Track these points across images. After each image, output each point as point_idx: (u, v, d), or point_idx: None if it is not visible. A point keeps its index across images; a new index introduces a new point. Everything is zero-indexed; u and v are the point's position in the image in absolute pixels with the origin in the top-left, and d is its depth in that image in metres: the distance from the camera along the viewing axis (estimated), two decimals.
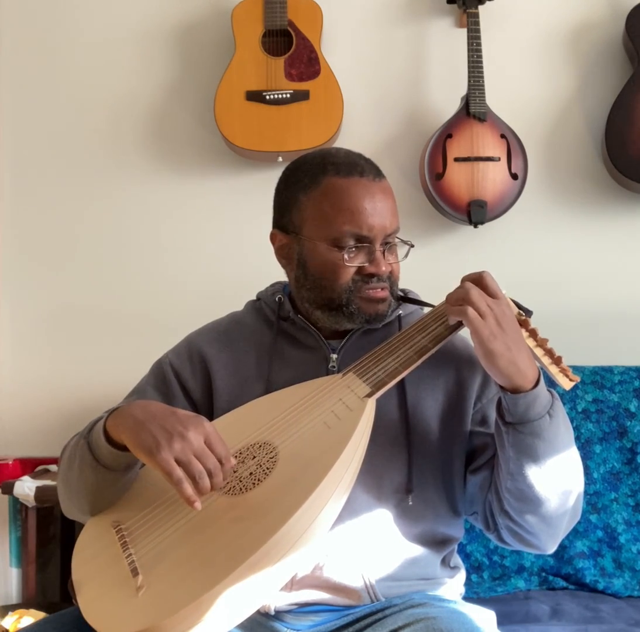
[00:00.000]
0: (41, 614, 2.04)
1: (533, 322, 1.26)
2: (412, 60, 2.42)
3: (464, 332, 1.24)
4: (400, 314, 1.36)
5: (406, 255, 1.33)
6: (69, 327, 2.44)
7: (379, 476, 1.26)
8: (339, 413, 1.18)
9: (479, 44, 2.28)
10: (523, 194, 2.27)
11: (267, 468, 1.14)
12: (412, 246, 1.33)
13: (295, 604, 1.26)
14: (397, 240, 1.31)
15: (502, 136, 2.28)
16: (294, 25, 2.31)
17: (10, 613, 2.06)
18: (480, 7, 2.31)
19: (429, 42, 2.42)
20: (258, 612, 1.23)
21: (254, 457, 1.17)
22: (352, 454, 1.12)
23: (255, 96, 2.29)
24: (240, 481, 1.14)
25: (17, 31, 2.48)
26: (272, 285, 1.45)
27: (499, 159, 2.26)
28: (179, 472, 1.05)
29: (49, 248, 2.46)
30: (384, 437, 1.26)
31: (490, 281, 1.22)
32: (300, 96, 2.28)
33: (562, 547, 1.93)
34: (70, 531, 2.29)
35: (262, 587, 1.03)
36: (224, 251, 2.43)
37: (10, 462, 2.30)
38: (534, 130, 2.38)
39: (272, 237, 1.37)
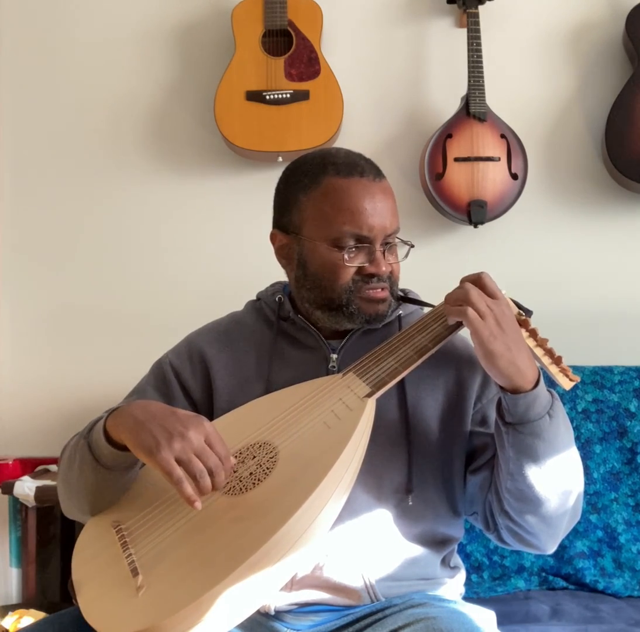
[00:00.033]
0: (41, 614, 2.04)
1: (533, 322, 1.26)
2: (412, 60, 2.42)
3: (464, 332, 1.24)
4: (400, 314, 1.36)
5: (406, 256, 1.33)
6: (69, 327, 2.44)
7: (379, 476, 1.26)
8: (339, 413, 1.18)
9: (479, 44, 2.28)
10: (523, 194, 2.27)
11: (267, 468, 1.14)
12: (412, 246, 1.33)
13: (295, 604, 1.26)
14: (397, 240, 1.31)
15: (502, 136, 2.28)
16: (294, 25, 2.31)
17: (10, 613, 2.06)
18: (480, 7, 2.31)
19: (429, 42, 2.42)
20: (258, 612, 1.23)
21: (254, 457, 1.17)
22: (352, 454, 1.12)
23: (255, 96, 2.29)
24: (240, 481, 1.14)
25: (17, 31, 2.48)
26: (272, 285, 1.45)
27: (499, 159, 2.26)
28: (179, 471, 1.05)
29: (49, 248, 2.46)
30: (384, 437, 1.26)
31: (489, 282, 1.22)
32: (300, 96, 2.28)
33: (562, 547, 1.93)
34: (70, 531, 2.29)
35: (262, 587, 1.03)
36: (224, 251, 2.43)
37: (10, 462, 2.30)
38: (534, 130, 2.38)
39: (272, 237, 1.37)
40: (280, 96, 2.28)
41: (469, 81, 2.27)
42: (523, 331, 1.24)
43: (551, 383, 1.29)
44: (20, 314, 2.45)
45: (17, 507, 2.27)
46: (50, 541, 2.30)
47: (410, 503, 1.27)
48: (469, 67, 2.27)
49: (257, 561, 1.01)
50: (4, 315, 2.45)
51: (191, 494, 1.05)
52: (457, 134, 2.27)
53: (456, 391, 1.32)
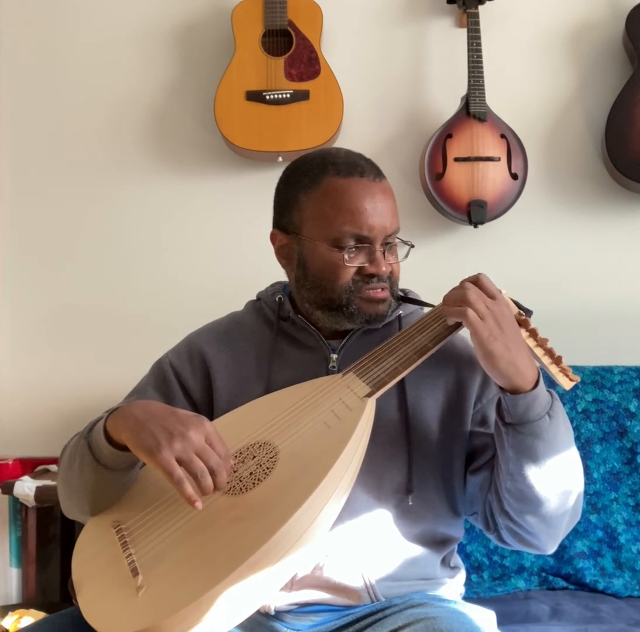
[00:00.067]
0: (41, 614, 2.04)
1: (533, 322, 1.26)
2: (412, 60, 2.42)
3: (465, 332, 1.24)
4: (400, 314, 1.36)
5: (406, 256, 1.33)
6: (69, 327, 2.44)
7: (379, 476, 1.26)
8: (339, 413, 1.18)
9: (479, 44, 2.28)
10: (523, 194, 2.27)
11: (267, 468, 1.14)
12: (413, 246, 1.33)
13: (295, 604, 1.26)
14: (397, 240, 1.31)
15: (502, 136, 2.28)
16: (294, 25, 2.31)
17: (10, 613, 2.06)
18: (480, 7, 2.31)
19: (429, 42, 2.42)
20: (258, 612, 1.23)
21: (254, 457, 1.17)
22: (352, 454, 1.12)
23: (255, 96, 2.29)
24: (241, 481, 1.14)
25: (17, 31, 2.48)
26: (272, 285, 1.45)
27: (499, 159, 2.26)
28: (179, 471, 1.05)
29: (49, 248, 2.46)
30: (384, 437, 1.26)
31: (488, 282, 1.23)
32: (300, 96, 2.28)
33: (562, 547, 1.93)
34: (70, 531, 2.29)
35: (262, 587, 1.03)
36: (224, 251, 2.43)
37: (10, 462, 2.30)
38: (534, 130, 2.38)
39: (272, 237, 1.37)
40: (280, 96, 2.28)
41: (469, 81, 2.27)
42: (523, 330, 1.24)
43: (551, 383, 1.29)
44: (20, 314, 2.45)
45: (17, 507, 2.27)
46: (50, 541, 2.30)
47: (410, 503, 1.27)
48: (469, 67, 2.27)
49: (257, 561, 1.01)
50: (4, 315, 2.45)
51: (192, 494, 1.05)
52: (457, 134, 2.27)
53: (456, 391, 1.32)
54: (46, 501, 2.10)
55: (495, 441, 1.24)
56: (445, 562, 1.35)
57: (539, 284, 2.30)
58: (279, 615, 1.26)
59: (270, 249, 1.38)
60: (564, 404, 1.26)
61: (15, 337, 2.45)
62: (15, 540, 2.29)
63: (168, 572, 1.05)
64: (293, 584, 1.24)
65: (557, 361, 1.26)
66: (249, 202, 2.40)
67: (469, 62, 2.27)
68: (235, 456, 1.18)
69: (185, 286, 2.42)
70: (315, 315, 1.32)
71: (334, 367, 1.32)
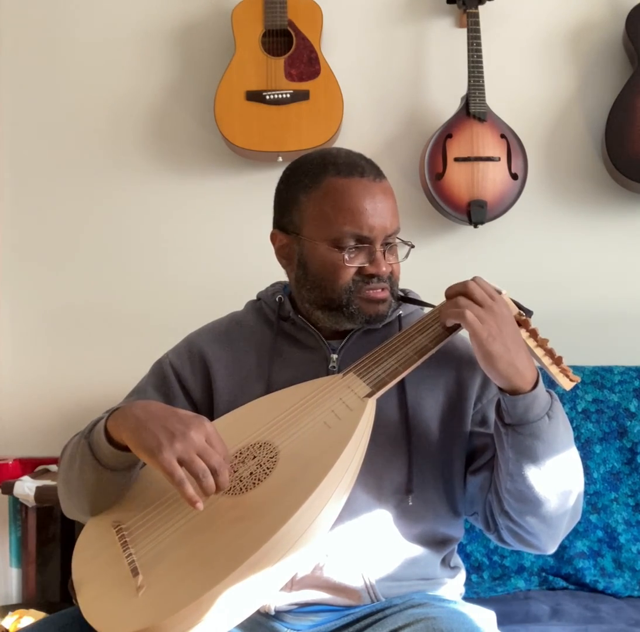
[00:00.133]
0: (41, 614, 2.04)
1: (533, 322, 1.26)
2: (412, 60, 2.42)
3: (465, 332, 1.24)
4: (400, 314, 1.36)
5: (407, 256, 1.33)
6: (69, 327, 2.44)
7: (379, 476, 1.26)
8: (339, 413, 1.18)
9: (479, 44, 2.28)
10: (523, 194, 2.27)
11: (268, 468, 1.14)
12: (413, 247, 1.33)
13: (295, 604, 1.26)
14: (397, 240, 1.31)
15: (502, 136, 2.28)
16: (294, 25, 2.31)
17: (10, 613, 2.06)
18: (480, 7, 2.31)
19: (429, 42, 2.42)
20: (258, 612, 1.23)
21: (255, 457, 1.17)
22: (352, 454, 1.12)
23: (255, 96, 2.29)
24: (241, 481, 1.14)
25: (17, 31, 2.48)
26: (273, 285, 1.45)
27: (499, 159, 2.26)
28: (180, 472, 1.05)
29: (49, 248, 2.46)
30: (384, 437, 1.26)
31: (484, 284, 1.23)
32: (300, 96, 2.28)
33: (562, 547, 1.93)
34: (70, 531, 2.29)
35: (262, 587, 1.03)
36: (224, 251, 2.43)
37: (10, 462, 2.30)
38: (534, 130, 2.38)
39: (273, 237, 1.37)
40: (280, 96, 2.28)
41: (469, 81, 2.27)
42: (523, 331, 1.24)
43: (551, 383, 1.29)
44: (20, 314, 2.45)
45: (17, 507, 2.27)
46: (50, 541, 2.30)
47: (410, 503, 1.27)
48: (469, 67, 2.27)
49: (257, 561, 1.01)
50: (4, 315, 2.45)
51: (193, 494, 1.05)
52: (457, 134, 2.27)
53: (456, 391, 1.32)
54: (46, 501, 2.10)
55: (495, 442, 1.24)
56: (445, 562, 1.35)
57: (538, 284, 2.30)
58: (279, 615, 1.26)
59: (270, 249, 1.38)
60: (563, 404, 1.26)
61: (15, 338, 2.45)
62: (15, 540, 2.29)
63: (168, 572, 1.05)
64: (293, 584, 1.24)
65: (557, 361, 1.26)
66: (249, 202, 2.40)
67: (469, 62, 2.27)
68: (236, 456, 1.18)
69: (185, 286, 2.42)
70: (316, 315, 1.32)
71: (334, 367, 1.32)
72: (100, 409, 1.31)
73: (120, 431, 1.13)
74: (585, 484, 1.37)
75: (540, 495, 1.20)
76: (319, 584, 1.25)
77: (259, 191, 2.27)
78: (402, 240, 1.31)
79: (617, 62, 2.38)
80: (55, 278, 2.45)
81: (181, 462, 1.06)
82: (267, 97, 2.28)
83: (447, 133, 2.28)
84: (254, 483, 1.13)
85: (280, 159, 2.28)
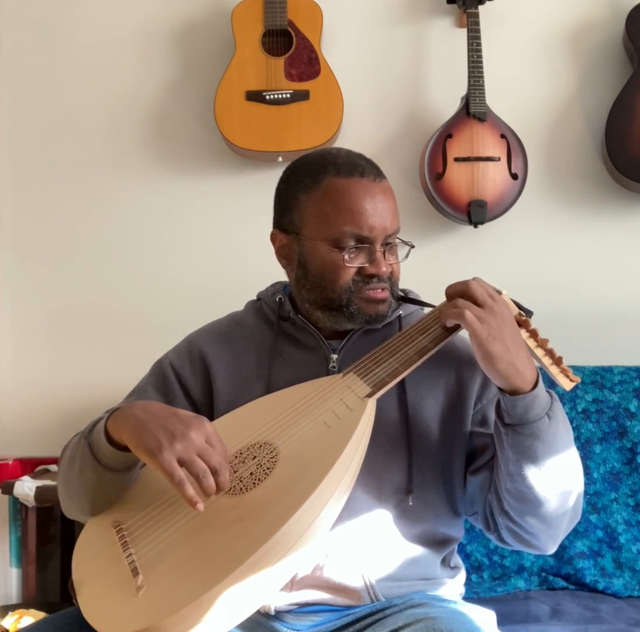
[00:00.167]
0: (41, 614, 2.04)
1: (533, 322, 1.26)
2: (412, 60, 2.42)
3: (465, 332, 1.24)
4: (400, 314, 1.36)
5: (407, 256, 1.33)
6: (69, 327, 2.44)
7: (379, 476, 1.26)
8: (339, 413, 1.18)
9: (479, 44, 2.28)
10: (523, 194, 2.27)
11: (268, 468, 1.14)
12: (413, 247, 1.33)
13: (296, 604, 1.26)
14: (397, 240, 1.31)
15: (502, 136, 2.28)
16: (294, 25, 2.31)
17: (10, 613, 2.06)
18: (480, 7, 2.31)
19: (429, 42, 2.42)
20: (258, 612, 1.23)
21: (255, 457, 1.17)
22: (353, 454, 1.12)
23: (255, 96, 2.29)
24: (241, 481, 1.14)
25: (17, 31, 2.48)
26: (273, 285, 1.45)
27: (499, 159, 2.27)
28: (180, 473, 1.05)
29: (49, 248, 2.46)
30: (384, 437, 1.26)
31: (485, 284, 1.23)
32: (300, 96, 2.28)
33: (562, 547, 1.93)
34: (70, 531, 2.29)
35: (262, 588, 1.03)
36: (224, 251, 2.43)
37: (10, 462, 2.30)
38: (534, 130, 2.38)
39: (273, 237, 1.37)
40: (280, 96, 2.28)
41: (469, 81, 2.27)
42: (523, 331, 1.24)
43: (551, 384, 1.29)
44: (20, 314, 2.45)
45: (17, 507, 2.27)
46: (50, 541, 2.30)
47: (411, 503, 1.27)
48: (469, 67, 2.27)
49: (257, 561, 1.01)
50: (4, 315, 2.45)
51: (193, 495, 1.05)
52: (457, 134, 2.27)
53: (456, 391, 1.32)
54: (46, 501, 2.10)
55: (494, 442, 1.24)
56: (445, 562, 1.35)
57: (538, 284, 2.30)
58: (279, 615, 1.26)
59: (270, 249, 1.38)
60: (563, 404, 1.26)
61: (16, 338, 2.45)
62: (15, 540, 2.29)
63: (168, 572, 1.05)
64: (293, 584, 1.24)
65: (557, 361, 1.26)
66: (249, 202, 2.40)
67: (469, 62, 2.27)
68: (236, 456, 1.18)
69: (185, 286, 2.42)
70: (316, 315, 1.32)
71: (334, 367, 1.32)
72: (100, 409, 1.31)
73: (120, 431, 1.13)
74: (585, 484, 1.37)
75: (540, 495, 1.20)
76: (319, 584, 1.25)
77: (259, 191, 2.27)
78: (402, 240, 1.31)
79: (617, 62, 2.38)
80: (55, 278, 2.45)
81: (181, 463, 1.06)
82: (267, 97, 2.28)
83: (447, 133, 2.28)
84: (254, 483, 1.13)
85: (280, 159, 2.28)
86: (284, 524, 1.03)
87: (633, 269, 2.38)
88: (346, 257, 1.26)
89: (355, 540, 1.25)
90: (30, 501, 2.11)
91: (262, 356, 1.35)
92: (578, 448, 1.27)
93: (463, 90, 2.29)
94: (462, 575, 1.40)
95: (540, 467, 1.18)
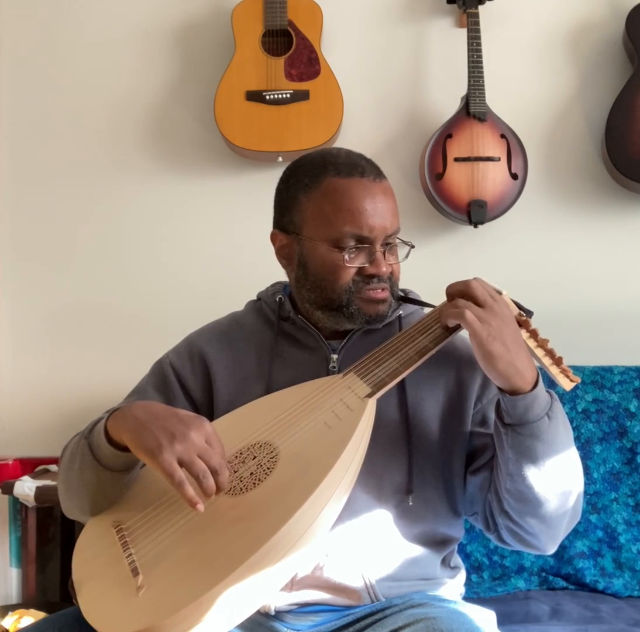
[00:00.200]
0: (41, 614, 2.04)
1: (533, 322, 1.26)
2: (412, 60, 2.42)
3: (465, 332, 1.24)
4: (400, 315, 1.36)
5: (407, 256, 1.33)
6: (69, 327, 2.44)
7: (379, 476, 1.26)
8: (339, 413, 1.18)
9: (479, 44, 2.28)
10: (523, 194, 2.27)
11: (268, 468, 1.14)
12: (413, 247, 1.33)
13: (296, 604, 1.26)
14: (397, 240, 1.31)
15: (502, 136, 2.28)
16: (294, 25, 2.31)
17: (10, 613, 2.06)
18: (480, 7, 2.31)
19: (429, 42, 2.42)
20: (258, 612, 1.23)
21: (255, 457, 1.17)
22: (353, 455, 1.12)
23: (255, 96, 2.29)
24: (241, 481, 1.14)
25: (17, 31, 2.48)
26: (273, 285, 1.45)
27: (499, 159, 2.27)
28: (180, 473, 1.05)
29: (49, 248, 2.46)
30: (384, 437, 1.26)
31: (486, 284, 1.23)
32: (300, 96, 2.28)
33: (562, 547, 1.93)
34: (70, 531, 2.29)
35: (262, 588, 1.03)
36: (224, 251, 2.43)
37: (10, 462, 2.30)
38: (534, 130, 2.38)
39: (273, 237, 1.37)
40: (280, 96, 2.28)
41: (469, 81, 2.27)
42: (523, 331, 1.24)
43: (551, 384, 1.29)
44: (20, 314, 2.45)
45: (17, 507, 2.27)
46: (50, 541, 2.30)
47: (411, 503, 1.27)
48: (469, 67, 2.27)
49: (257, 561, 1.01)
50: (4, 315, 2.45)
51: (193, 496, 1.05)
52: (457, 134, 2.27)
53: (456, 391, 1.32)
54: (46, 501, 2.10)
55: (494, 442, 1.24)
56: (445, 562, 1.35)
57: (538, 284, 2.30)
58: (279, 615, 1.26)
59: (270, 249, 1.38)
60: (563, 404, 1.26)
61: (16, 338, 2.45)
62: (15, 540, 2.29)
63: (168, 572, 1.05)
64: (293, 584, 1.24)
65: (557, 361, 1.26)
66: (249, 202, 2.40)
67: (469, 62, 2.27)
68: (236, 456, 1.18)
69: (185, 286, 2.42)
70: (316, 315, 1.32)
71: (334, 367, 1.32)
72: (100, 409, 1.31)
73: (120, 432, 1.13)
74: (585, 484, 1.37)
75: (540, 495, 1.20)
76: (319, 584, 1.25)
77: (259, 191, 2.26)
78: (402, 240, 1.31)
79: (617, 62, 2.38)
80: (55, 278, 2.45)
81: (181, 463, 1.06)
82: (267, 97, 2.28)
83: (447, 133, 2.28)
84: (255, 483, 1.13)
85: (280, 159, 2.28)
86: (284, 524, 1.03)
87: (633, 269, 2.38)
88: (346, 257, 1.26)
89: (355, 540, 1.25)
90: (30, 501, 2.11)
91: (262, 356, 1.35)
92: (578, 448, 1.27)
93: (463, 90, 2.29)
94: (462, 575, 1.40)
95: (540, 467, 1.18)
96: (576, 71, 2.41)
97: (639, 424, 2.04)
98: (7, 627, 2.00)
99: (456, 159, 2.26)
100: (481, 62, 2.27)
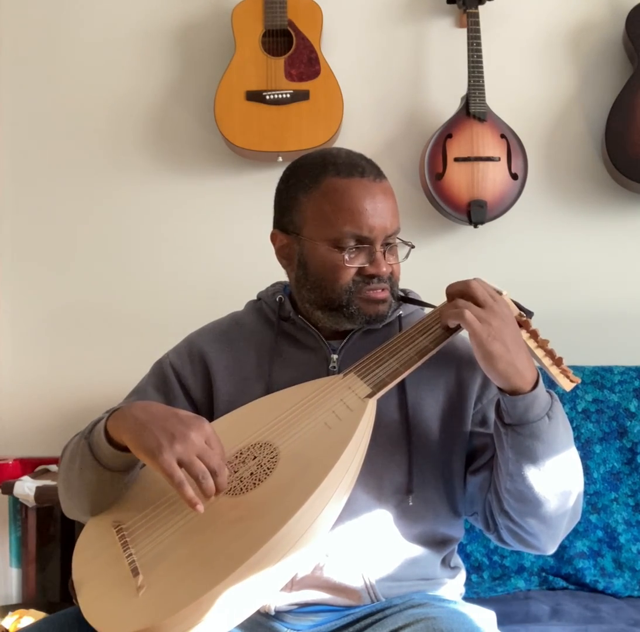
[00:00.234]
0: (41, 614, 2.04)
1: (533, 322, 1.26)
2: (412, 60, 2.42)
3: (465, 333, 1.24)
4: (400, 315, 1.36)
5: (407, 256, 1.33)
6: (69, 327, 2.44)
7: (379, 476, 1.26)
8: (339, 413, 1.18)
9: (479, 44, 2.28)
10: (523, 194, 2.27)
11: (268, 468, 1.14)
12: (413, 247, 1.33)
13: (296, 604, 1.26)
14: (397, 241, 1.31)
15: (502, 136, 2.28)
16: (294, 25, 2.31)
17: (10, 613, 2.06)
18: (480, 7, 2.31)
19: (429, 42, 2.42)
20: (258, 612, 1.23)
21: (255, 457, 1.17)
22: (353, 455, 1.12)
23: (255, 96, 2.29)
24: (241, 481, 1.14)
25: (17, 31, 2.48)
26: (273, 285, 1.45)
27: (499, 159, 2.27)
28: (180, 474, 1.05)
29: (49, 248, 2.46)
30: (384, 437, 1.26)
31: (486, 285, 1.23)
32: (300, 96, 2.28)
33: (562, 547, 1.93)
34: (70, 531, 2.29)
35: (262, 588, 1.03)
36: (224, 251, 2.43)
37: (10, 462, 2.30)
38: (534, 130, 2.38)
39: (273, 237, 1.37)
40: (280, 96, 2.28)
41: (469, 81, 2.27)
42: (524, 332, 1.24)
43: (551, 384, 1.29)
44: (20, 314, 2.45)
45: (17, 507, 2.27)
46: (50, 541, 2.30)
47: (411, 503, 1.27)
48: (469, 67, 2.27)
49: (257, 561, 1.01)
50: (4, 315, 2.45)
51: (193, 496, 1.05)
52: (457, 134, 2.27)
53: (457, 391, 1.32)
54: (46, 501, 2.10)
55: (494, 442, 1.24)
56: (445, 562, 1.35)
57: (538, 284, 2.30)
58: (279, 615, 1.26)
59: (270, 249, 1.38)
60: (563, 404, 1.26)
61: (16, 338, 2.45)
62: (15, 540, 2.29)
63: (168, 572, 1.05)
64: (293, 584, 1.24)
65: (557, 362, 1.26)
66: (249, 202, 2.40)
67: (469, 62, 2.27)
68: (236, 457, 1.18)
69: (185, 286, 2.42)
70: (316, 315, 1.32)
71: (334, 367, 1.32)
72: (100, 409, 1.31)
73: (120, 432, 1.13)
74: (585, 484, 1.37)
75: (540, 495, 1.20)
76: (319, 584, 1.25)
77: (259, 191, 2.27)
78: (402, 240, 1.31)
79: (617, 62, 2.38)
80: (55, 278, 2.45)
81: (181, 464, 1.06)
82: (267, 97, 2.28)
83: (447, 133, 2.28)
84: (255, 483, 1.13)
85: (280, 159, 2.28)
86: (284, 524, 1.03)
87: (633, 269, 2.38)
88: (346, 257, 1.26)
89: (355, 540, 1.25)
90: (30, 501, 2.11)
91: (263, 356, 1.35)
92: (578, 448, 1.27)
93: (463, 90, 2.29)
94: (462, 575, 1.40)
95: (540, 467, 1.18)
96: (576, 71, 2.41)
97: (639, 424, 2.04)
98: (7, 627, 2.00)
99: (456, 159, 2.26)
100: (481, 62, 2.27)
